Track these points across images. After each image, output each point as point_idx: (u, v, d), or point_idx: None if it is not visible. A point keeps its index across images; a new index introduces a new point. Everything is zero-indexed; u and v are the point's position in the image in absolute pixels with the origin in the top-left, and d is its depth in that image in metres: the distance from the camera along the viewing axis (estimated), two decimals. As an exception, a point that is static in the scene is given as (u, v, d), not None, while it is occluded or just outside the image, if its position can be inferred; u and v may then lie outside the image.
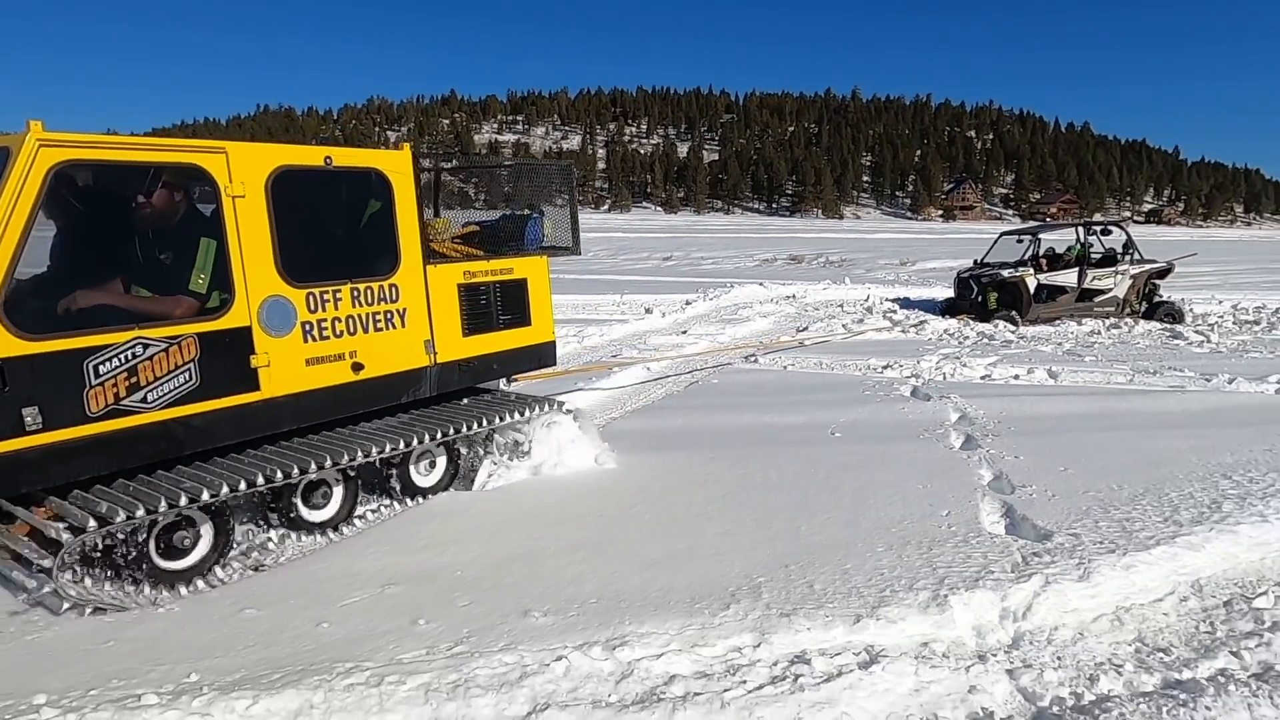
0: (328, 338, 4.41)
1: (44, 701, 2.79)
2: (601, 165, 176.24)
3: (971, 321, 13.70)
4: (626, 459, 5.71)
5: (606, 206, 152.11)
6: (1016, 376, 9.04)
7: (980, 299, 14.04)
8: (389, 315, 4.72)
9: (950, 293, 15.63)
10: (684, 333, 12.38)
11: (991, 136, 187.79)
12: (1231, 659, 3.39)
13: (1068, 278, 14.14)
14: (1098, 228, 14.85)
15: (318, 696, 2.88)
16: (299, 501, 4.43)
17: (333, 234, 4.81)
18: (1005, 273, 13.99)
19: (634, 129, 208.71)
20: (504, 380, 5.94)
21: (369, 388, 4.66)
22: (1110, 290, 14.27)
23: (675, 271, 26.03)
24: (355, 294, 4.54)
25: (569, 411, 5.79)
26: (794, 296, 17.72)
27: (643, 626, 3.40)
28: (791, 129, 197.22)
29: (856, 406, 7.56)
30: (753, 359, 10.12)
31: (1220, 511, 4.76)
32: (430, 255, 4.95)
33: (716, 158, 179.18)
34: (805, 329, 12.95)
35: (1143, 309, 14.45)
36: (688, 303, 15.43)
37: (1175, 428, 6.70)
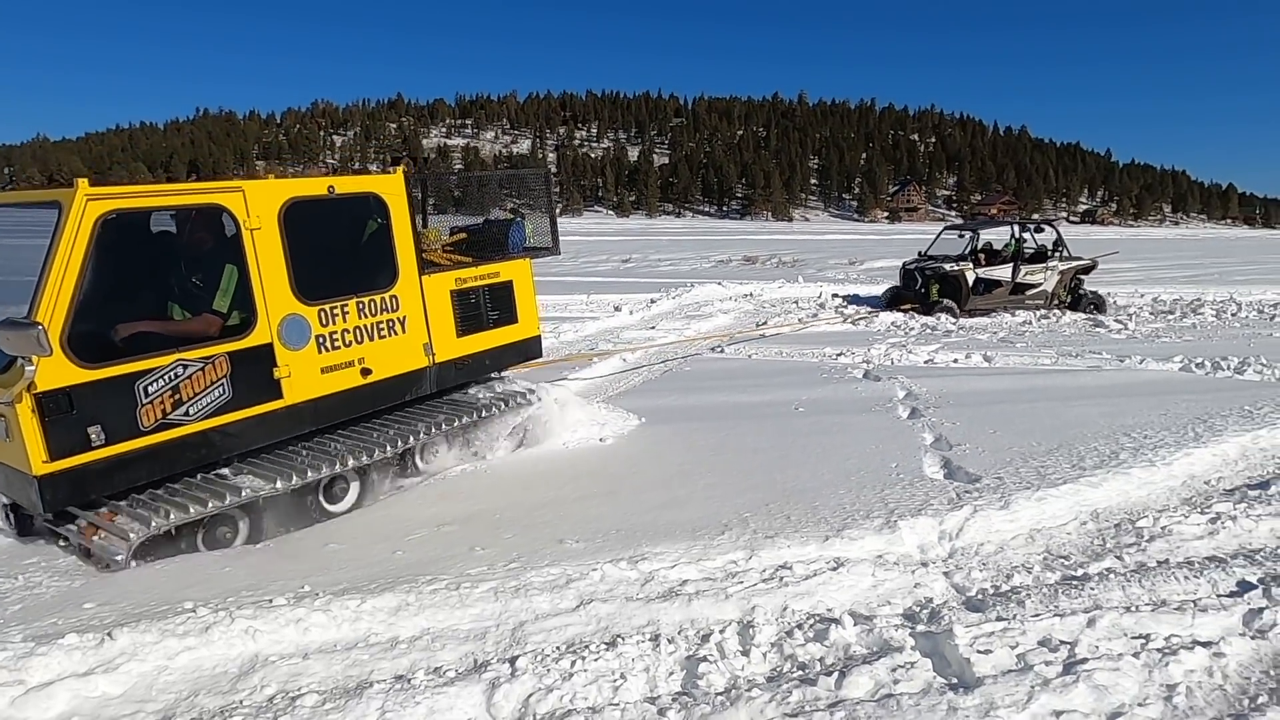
0: (339, 347, 4.97)
1: (192, 606, 3.51)
2: (553, 169, 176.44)
3: (916, 313, 14.75)
4: (621, 432, 6.53)
5: (559, 210, 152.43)
6: (956, 360, 10.09)
7: (924, 290, 15.08)
8: (391, 323, 5.27)
9: (890, 288, 16.55)
10: (653, 328, 13.22)
11: (934, 140, 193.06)
12: (1115, 561, 4.35)
13: (1003, 272, 15.30)
14: (1031, 225, 16.18)
15: (410, 597, 3.65)
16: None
17: (338, 254, 5.33)
18: (948, 266, 15.06)
19: (584, 133, 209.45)
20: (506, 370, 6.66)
21: (377, 389, 5.23)
22: (1041, 284, 15.48)
23: (635, 273, 26.86)
24: (361, 307, 5.10)
25: (556, 396, 6.50)
26: (751, 294, 18.70)
27: (656, 548, 4.23)
28: (740, 133, 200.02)
29: (816, 387, 8.50)
30: (719, 350, 11.02)
31: (1118, 460, 5.76)
32: (425, 266, 5.50)
33: (667, 161, 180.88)
34: (765, 323, 13.90)
35: (1069, 300, 15.76)
36: (652, 301, 16.28)
37: (1090, 399, 7.77)
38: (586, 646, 3.37)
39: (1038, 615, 3.64)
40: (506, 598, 3.70)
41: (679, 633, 3.52)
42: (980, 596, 3.94)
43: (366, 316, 5.13)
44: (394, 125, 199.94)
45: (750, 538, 4.39)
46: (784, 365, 9.95)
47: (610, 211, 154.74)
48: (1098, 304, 15.49)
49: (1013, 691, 2.98)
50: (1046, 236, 16.07)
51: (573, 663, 3.24)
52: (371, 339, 5.15)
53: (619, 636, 3.46)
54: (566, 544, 4.29)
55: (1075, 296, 15.73)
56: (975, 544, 4.56)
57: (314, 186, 4.94)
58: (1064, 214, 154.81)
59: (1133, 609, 3.68)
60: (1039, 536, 4.72)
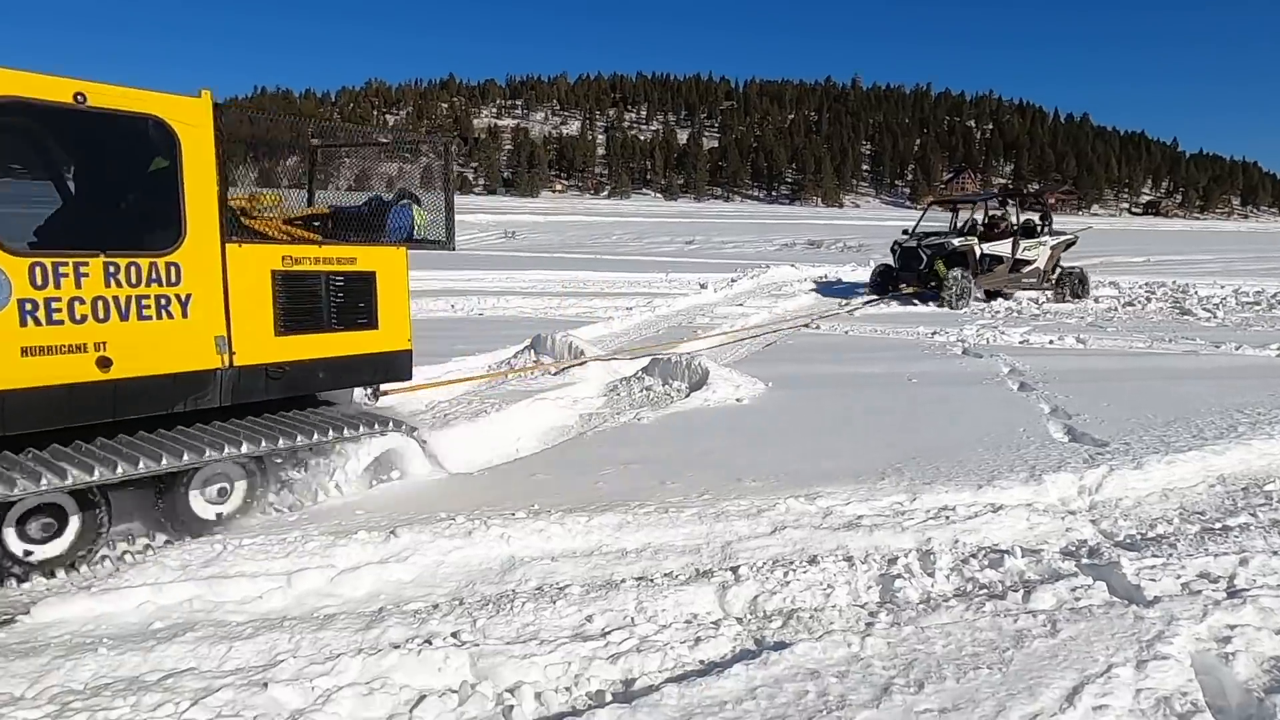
0: (61, 322, 3.56)
1: (445, 515, 4.09)
2: (601, 151, 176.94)
3: (917, 298, 13.83)
4: (753, 394, 7.00)
5: (606, 192, 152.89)
6: (1051, 341, 10.36)
7: (929, 269, 13.97)
8: (163, 301, 3.84)
9: (874, 270, 15.47)
10: (740, 304, 13.67)
11: (991, 126, 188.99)
12: (1250, 517, 4.69)
13: (1005, 248, 14.48)
14: (1014, 200, 15.38)
15: (628, 517, 4.19)
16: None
17: (83, 191, 4.12)
18: (956, 241, 14.05)
19: (634, 115, 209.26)
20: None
21: (122, 390, 3.74)
22: (1034, 261, 14.69)
23: (700, 254, 27.30)
24: (111, 270, 3.67)
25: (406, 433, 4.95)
26: (826, 276, 19.01)
27: (827, 488, 4.71)
28: (791, 117, 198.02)
29: (921, 361, 8.87)
30: (815, 326, 11.42)
31: (1236, 432, 6.07)
32: (238, 232, 4.16)
33: (716, 145, 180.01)
34: (849, 302, 14.24)
35: (1056, 277, 14.89)
36: (732, 280, 16.71)
37: (1195, 379, 8.02)
38: (791, 563, 3.86)
39: (1191, 555, 4.03)
40: (710, 521, 4.22)
41: (866, 556, 3.98)
42: (1129, 541, 4.34)
43: (119, 286, 3.70)
44: (445, 105, 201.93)
45: (909, 484, 4.83)
46: (882, 342, 10.32)
47: (658, 195, 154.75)
48: (1082, 279, 14.73)
49: (1188, 608, 3.39)
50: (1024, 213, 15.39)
51: (785, 574, 3.74)
52: (124, 318, 3.69)
53: (816, 556, 3.94)
54: (745, 482, 4.78)
55: (1060, 273, 14.97)
56: (1114, 499, 4.94)
57: (51, 88, 3.49)
58: (1125, 205, 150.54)
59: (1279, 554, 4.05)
60: (1172, 495, 5.08)
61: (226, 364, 4.09)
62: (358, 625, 3.22)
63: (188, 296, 3.93)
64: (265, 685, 2.74)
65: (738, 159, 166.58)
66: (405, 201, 5.08)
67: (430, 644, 3.04)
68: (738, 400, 6.73)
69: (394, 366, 5.03)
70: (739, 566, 3.78)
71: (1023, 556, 3.98)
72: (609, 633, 3.20)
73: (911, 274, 14.25)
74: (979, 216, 15.27)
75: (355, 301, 4.69)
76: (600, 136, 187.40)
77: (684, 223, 45.05)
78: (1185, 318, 13.11)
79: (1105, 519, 4.62)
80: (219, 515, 4.30)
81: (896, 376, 8.04)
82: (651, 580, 3.65)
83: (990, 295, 14.39)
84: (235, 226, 4.15)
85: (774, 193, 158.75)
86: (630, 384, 7.30)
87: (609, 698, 2.83)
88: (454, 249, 5.28)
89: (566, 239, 33.40)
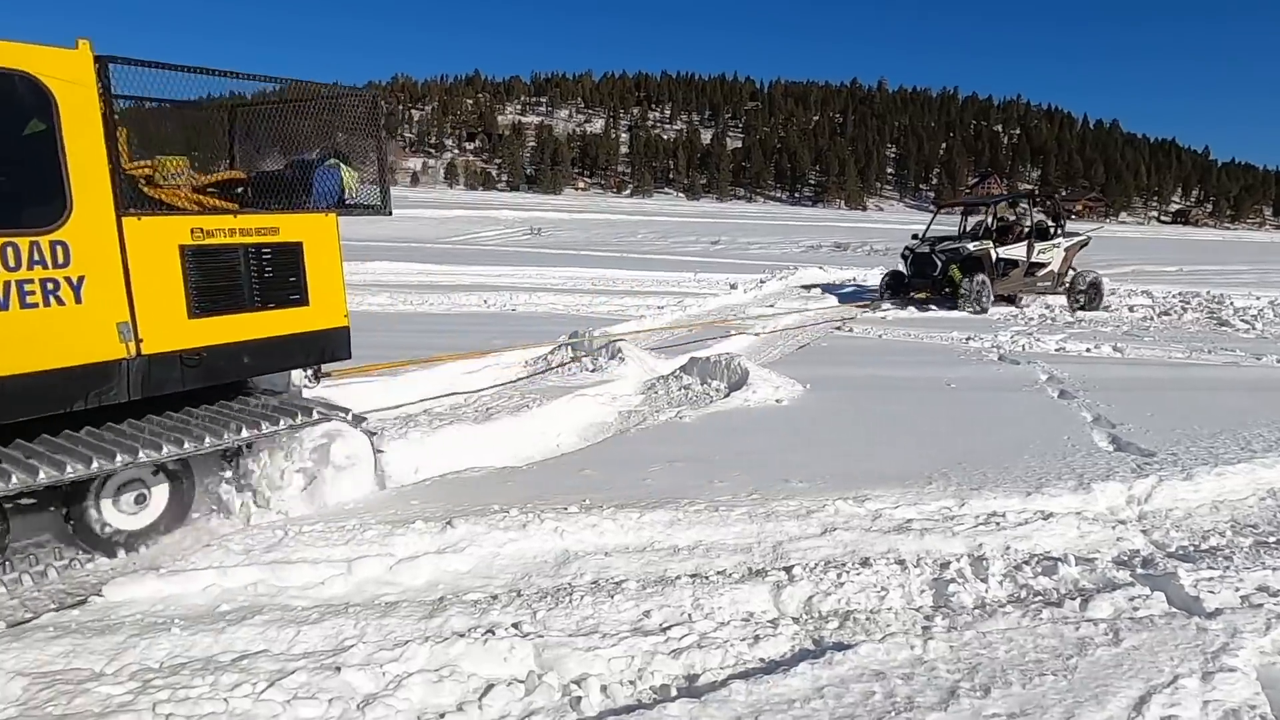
0: None
1: (499, 508, 4.13)
2: (624, 150, 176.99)
3: (930, 304, 13.29)
4: (792, 395, 7.00)
5: (628, 191, 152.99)
6: (1088, 350, 10.25)
7: (944, 275, 13.35)
8: (50, 285, 3.40)
9: (888, 274, 14.82)
10: (771, 306, 13.65)
11: (1019, 131, 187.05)
12: (1304, 532, 4.65)
13: (1019, 251, 13.98)
14: (1029, 200, 14.81)
15: (679, 514, 4.21)
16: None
17: None
18: (971, 246, 13.45)
19: (657, 114, 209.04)
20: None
21: (8, 390, 3.32)
22: (1049, 264, 14.18)
23: (726, 254, 27.25)
24: None
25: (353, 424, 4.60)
26: (855, 280, 18.92)
27: (874, 491, 4.70)
28: (816, 118, 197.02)
29: (958, 367, 8.82)
30: (847, 329, 11.38)
31: (1285, 445, 5.99)
32: (138, 203, 3.69)
33: (740, 145, 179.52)
34: (876, 304, 14.17)
35: (1069, 280, 14.28)
36: (762, 281, 16.67)
37: (1238, 390, 7.91)
38: (844, 565, 3.86)
39: (1248, 568, 3.99)
40: (760, 521, 4.23)
41: (918, 560, 3.97)
42: (1182, 552, 4.30)
43: None
44: (470, 101, 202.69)
45: (956, 489, 4.82)
46: (916, 346, 10.27)
47: (680, 194, 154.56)
48: (1095, 284, 14.09)
49: (1251, 621, 3.36)
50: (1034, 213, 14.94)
51: (838, 575, 3.74)
52: (3, 306, 3.28)
53: (869, 559, 3.94)
54: (792, 483, 4.78)
55: (1072, 278, 14.38)
56: (1163, 509, 4.90)
57: None
58: (1154, 213, 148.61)
59: (1338, 569, 4.00)
60: (1223, 507, 5.02)
61: (133, 353, 3.63)
62: (420, 613, 3.26)
63: (80, 279, 3.46)
64: (338, 669, 2.79)
65: (761, 160, 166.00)
66: (332, 162, 4.55)
67: (494, 634, 3.08)
68: (777, 401, 6.73)
69: (329, 345, 4.54)
70: (792, 567, 3.79)
71: (1076, 565, 3.95)
72: (668, 628, 3.23)
73: (925, 280, 13.65)
74: (989, 220, 14.72)
75: (280, 276, 4.22)
76: (624, 135, 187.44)
77: (708, 223, 44.97)
78: (1223, 329, 12.91)
79: (1156, 529, 4.58)
80: (142, 527, 3.90)
81: (934, 381, 8.00)
82: (706, 578, 3.67)
83: (1003, 299, 13.95)
84: (134, 197, 3.69)
85: (797, 194, 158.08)
86: (668, 382, 7.32)
87: (674, 692, 2.85)
88: (390, 214, 4.77)
89: (592, 237, 33.46)
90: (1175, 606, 3.57)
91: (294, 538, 3.79)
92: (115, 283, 3.59)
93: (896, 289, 14.01)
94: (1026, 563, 4.00)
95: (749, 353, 9.50)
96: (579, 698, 2.78)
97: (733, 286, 15.49)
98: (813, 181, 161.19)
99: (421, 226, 35.89)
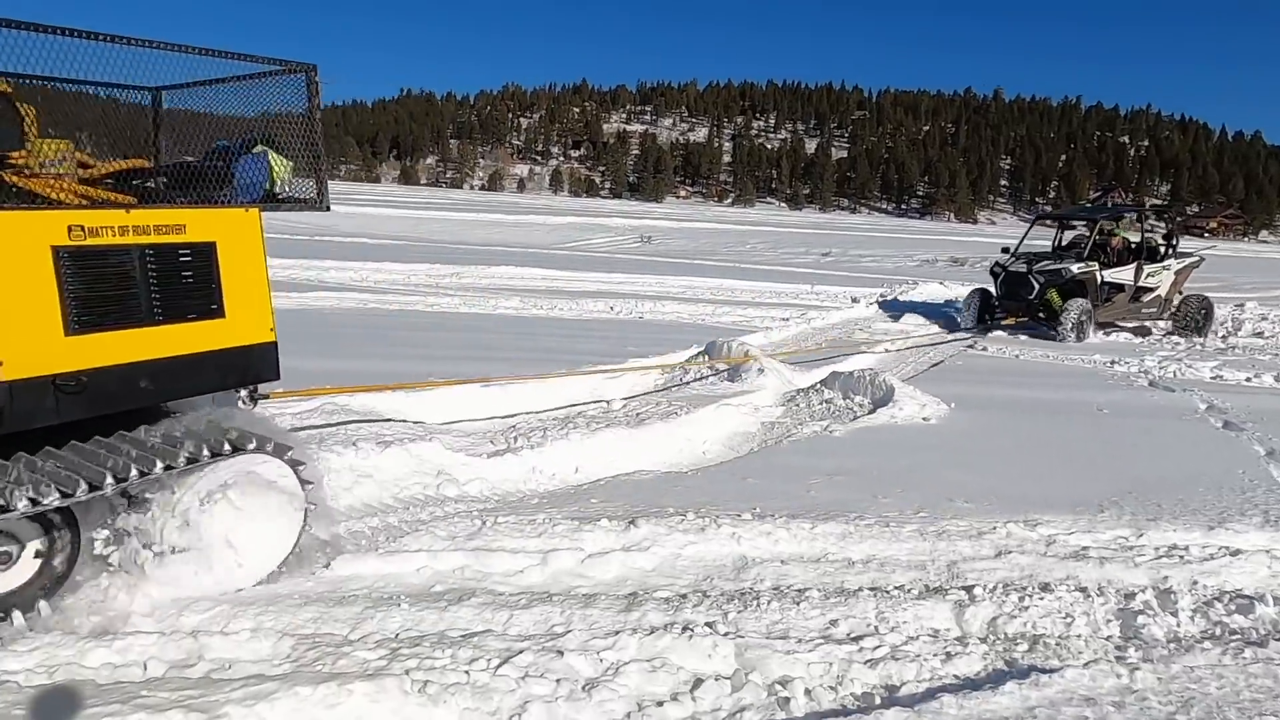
0: None
1: (674, 510, 4.30)
2: (727, 159, 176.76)
3: (1020, 328, 11.98)
4: (939, 414, 6.90)
5: (730, 200, 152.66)
6: (1248, 379, 9.67)
7: (1040, 298, 11.86)
8: None
9: (975, 293, 13.20)
10: (896, 320, 13.43)
11: (1147, 143, 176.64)
12: None
13: (1127, 275, 12.45)
14: (1149, 213, 13.21)
15: (850, 528, 4.27)
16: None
17: None
18: (1074, 268, 11.88)
19: (761, 123, 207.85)
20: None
21: None
22: (1156, 289, 12.66)
23: (838, 266, 26.85)
24: None
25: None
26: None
27: (1044, 516, 4.63)
28: (926, 128, 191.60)
29: (1107, 391, 8.49)
30: (980, 347, 11.10)
31: None
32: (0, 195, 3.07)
33: (845, 155, 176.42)
34: (1010, 322, 13.69)
35: (1177, 305, 12.75)
36: (883, 296, 16.41)
37: None
38: (1024, 588, 3.84)
39: None
40: (932, 539, 4.24)
41: (1100, 589, 3.90)
42: (1391, 597, 4.06)
43: None
44: (577, 110, 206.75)
45: (1130, 519, 4.69)
46: (1057, 368, 9.93)
47: (782, 204, 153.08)
48: (1207, 308, 12.54)
49: None
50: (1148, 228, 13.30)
51: (1020, 598, 3.73)
52: None
53: (1048, 584, 3.90)
54: (957, 502, 4.77)
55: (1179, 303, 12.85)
56: (1361, 553, 4.62)
57: None
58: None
59: None
60: None
61: None
62: (618, 606, 3.45)
63: None
64: (560, 653, 2.99)
65: (867, 170, 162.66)
66: (259, 149, 3.85)
67: (692, 631, 3.23)
68: (924, 419, 6.67)
69: (251, 364, 3.76)
70: (971, 587, 3.79)
71: (1274, 605, 3.80)
72: (858, 638, 3.31)
73: (1018, 303, 12.10)
74: (1092, 235, 12.73)
75: (187, 283, 3.47)
76: (727, 144, 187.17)
77: (816, 234, 44.42)
78: (1400, 361, 11.91)
79: (1358, 574, 4.33)
80: (13, 589, 3.08)
81: (1083, 405, 7.74)
82: (886, 592, 3.72)
83: (1101, 327, 12.53)
84: None
85: (904, 206, 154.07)
86: (808, 396, 7.36)
87: (876, 700, 2.93)
88: (328, 208, 4.02)
89: (700, 246, 33.60)
90: (1395, 655, 3.39)
91: (491, 528, 4.05)
92: None
93: (984, 310, 12.58)
94: (1218, 599, 3.88)
95: (881, 368, 9.42)
96: (786, 698, 2.90)
97: (855, 300, 15.32)
98: (920, 193, 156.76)
99: (535, 232, 36.90)
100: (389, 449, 4.95)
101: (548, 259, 20.46)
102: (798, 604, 3.55)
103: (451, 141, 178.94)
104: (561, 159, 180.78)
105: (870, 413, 6.74)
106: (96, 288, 3.17)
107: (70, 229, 3.10)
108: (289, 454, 3.65)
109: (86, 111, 3.91)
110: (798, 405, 7.20)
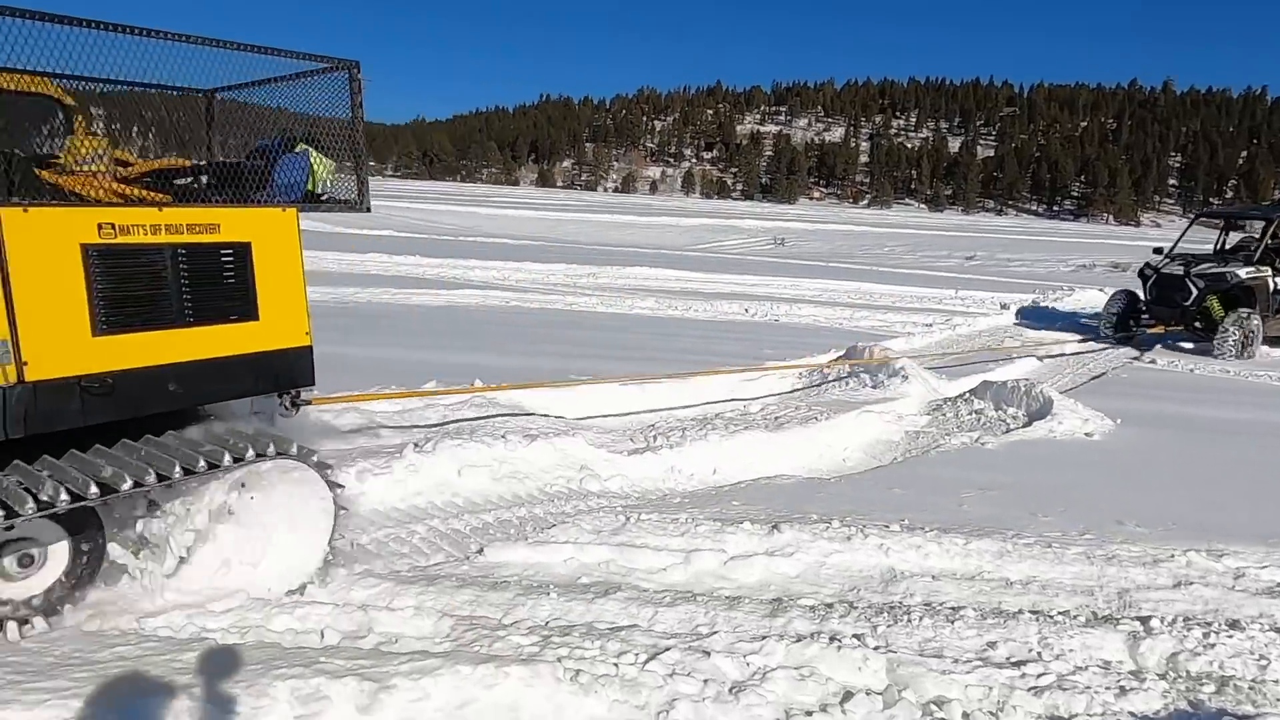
0: None
1: (818, 517, 4.21)
2: (864, 159, 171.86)
3: (1177, 339, 10.67)
4: (1103, 429, 6.43)
5: (866, 201, 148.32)
6: None
7: (1198, 306, 10.58)
8: None
9: (1110, 301, 11.98)
10: (1051, 329, 12.62)
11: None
12: None
13: None
14: None
15: (1007, 546, 4.06)
16: None
17: None
18: (1243, 272, 10.44)
19: (901, 121, 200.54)
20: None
21: None
22: None
23: (984, 271, 25.53)
24: None
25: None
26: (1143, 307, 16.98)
27: (1230, 546, 4.22)
28: (1084, 124, 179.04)
29: (1300, 412, 7.65)
30: (1149, 360, 10.26)
31: None
32: (28, 193, 2.96)
33: (992, 154, 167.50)
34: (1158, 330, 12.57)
35: None
36: (1036, 303, 15.49)
37: None
38: (1209, 624, 3.51)
39: None
40: (1100, 563, 3.96)
41: (1300, 631, 3.52)
42: None
43: None
44: (710, 111, 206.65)
45: (1335, 555, 4.20)
46: (1237, 385, 9.04)
47: (922, 205, 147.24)
48: None
49: None
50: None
51: (1205, 634, 3.41)
52: None
53: (1238, 621, 3.55)
54: (1127, 526, 4.43)
55: None
56: None
57: None
58: None
59: None
60: None
61: (13, 379, 2.86)
62: (762, 611, 3.41)
63: None
64: (707, 654, 3.00)
65: (1016, 169, 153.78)
66: (301, 147, 3.77)
67: (839, 642, 3.16)
68: (1087, 435, 6.23)
69: (286, 369, 3.64)
70: (1148, 619, 3.51)
71: None
72: (1019, 663, 3.13)
73: (1170, 310, 10.80)
74: (1266, 237, 11.05)
75: (221, 284, 3.40)
76: (865, 143, 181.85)
77: (959, 236, 42.31)
78: None
79: None
80: (40, 591, 3.07)
81: (1270, 427, 7.00)
82: (1049, 616, 3.50)
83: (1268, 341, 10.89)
84: (25, 184, 2.98)
85: (1055, 207, 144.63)
86: (956, 405, 7.03)
87: (1044, 731, 2.76)
88: (368, 210, 3.86)
89: (836, 248, 32.79)
90: None
91: (634, 524, 4.11)
92: None
93: (1129, 316, 11.24)
94: None
95: (1037, 378, 8.87)
96: (942, 719, 2.78)
97: (1004, 306, 14.51)
98: (1075, 193, 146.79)
99: (668, 234, 37.17)
100: (535, 442, 5.11)
101: (681, 260, 20.53)
102: (951, 622, 3.40)
103: (587, 145, 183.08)
104: (694, 161, 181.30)
105: (1025, 425, 6.37)
106: (126, 287, 3.10)
107: (100, 227, 3.03)
108: (313, 455, 3.58)
109: (141, 111, 3.89)
110: (945, 415, 6.90)
